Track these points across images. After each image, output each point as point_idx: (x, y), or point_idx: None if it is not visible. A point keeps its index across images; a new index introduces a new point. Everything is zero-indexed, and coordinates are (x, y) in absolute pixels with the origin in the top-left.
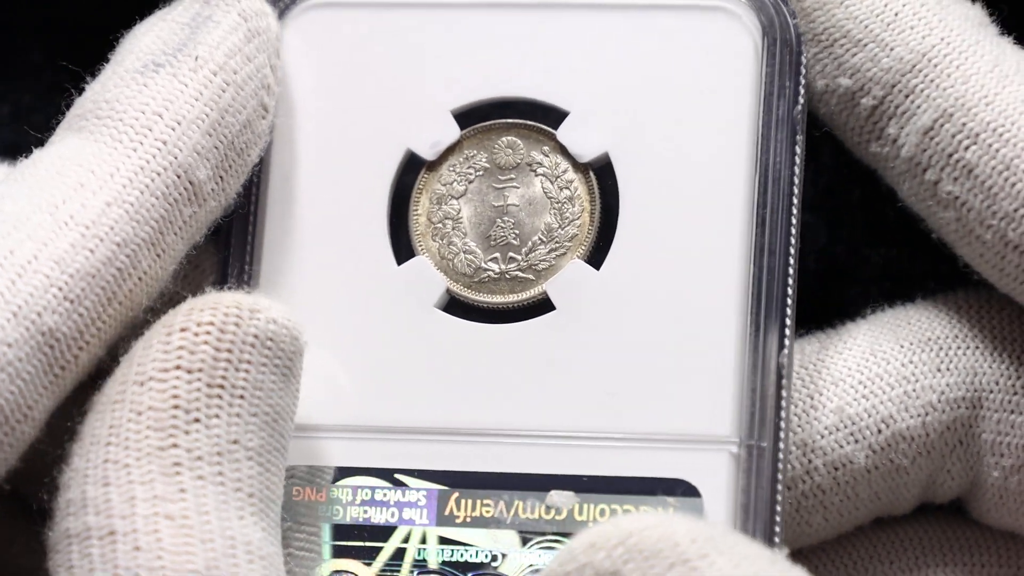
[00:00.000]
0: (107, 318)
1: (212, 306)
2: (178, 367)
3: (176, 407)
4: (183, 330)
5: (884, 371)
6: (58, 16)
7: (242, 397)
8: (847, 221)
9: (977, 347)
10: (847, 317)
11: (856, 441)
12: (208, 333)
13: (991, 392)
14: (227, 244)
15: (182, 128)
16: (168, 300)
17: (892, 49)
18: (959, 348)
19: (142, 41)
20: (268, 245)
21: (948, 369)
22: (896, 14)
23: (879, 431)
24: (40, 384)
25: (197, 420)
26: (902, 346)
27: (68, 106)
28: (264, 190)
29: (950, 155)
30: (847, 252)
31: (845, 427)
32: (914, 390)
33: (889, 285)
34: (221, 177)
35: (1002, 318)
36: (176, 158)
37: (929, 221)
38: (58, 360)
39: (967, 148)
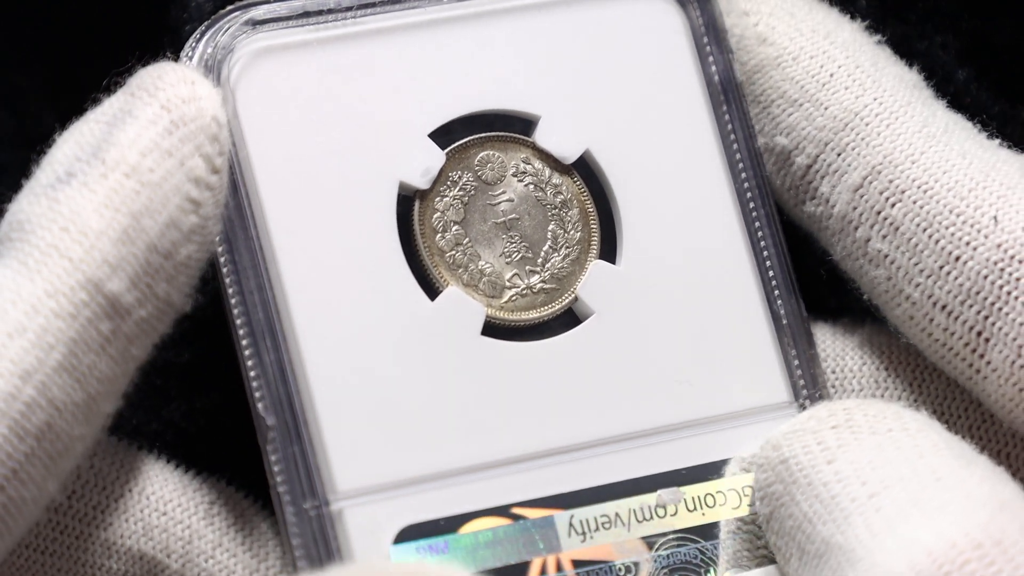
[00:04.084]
0: (21, 456)
1: None
2: None
3: None
4: None
5: (859, 370)
6: (72, 83)
7: None
8: None
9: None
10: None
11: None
12: None
13: (959, 419)
14: (248, 324)
15: (90, 240)
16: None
17: (826, 108)
18: (936, 371)
19: (61, 149)
20: (297, 313)
21: (920, 387)
22: (831, 75)
23: None
24: None
25: None
26: (883, 352)
27: None
28: (275, 259)
29: (878, 212)
30: None
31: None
32: (884, 396)
33: None
34: (148, 284)
35: None
36: (84, 273)
37: (861, 283)
38: None
39: (893, 205)
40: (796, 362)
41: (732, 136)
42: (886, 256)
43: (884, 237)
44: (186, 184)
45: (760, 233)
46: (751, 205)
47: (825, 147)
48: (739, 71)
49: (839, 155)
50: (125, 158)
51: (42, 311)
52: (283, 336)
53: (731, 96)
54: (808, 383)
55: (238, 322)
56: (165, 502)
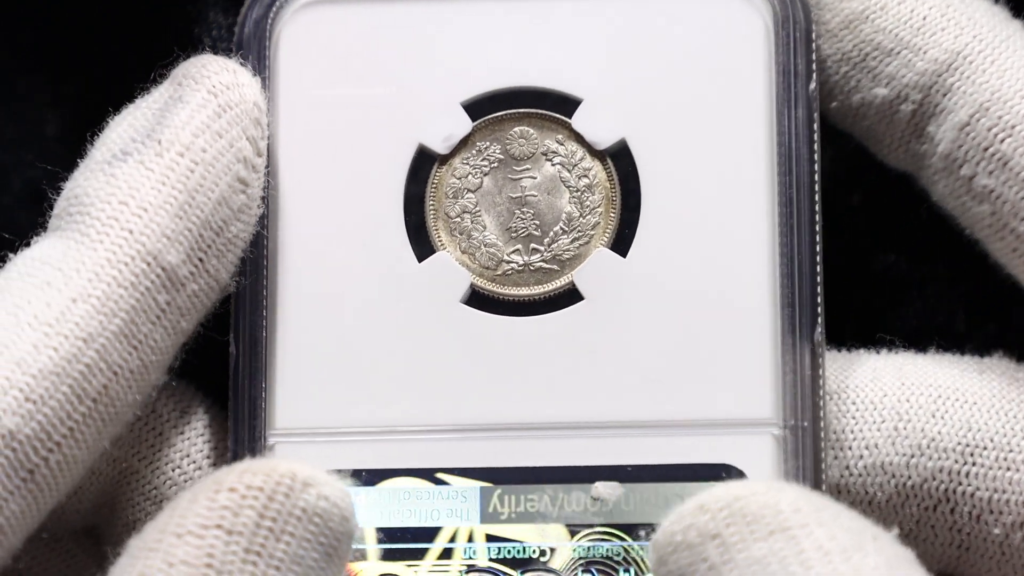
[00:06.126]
0: (79, 416)
1: (266, 471)
2: (219, 526)
3: (209, 565)
4: (231, 490)
5: (880, 401)
6: (73, 85)
7: (278, 568)
8: (848, 228)
9: (975, 403)
10: (848, 324)
11: (835, 457)
12: (255, 498)
13: (985, 448)
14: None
15: (149, 214)
16: (168, 395)
17: (925, 52)
18: (957, 400)
19: (115, 131)
20: (284, 251)
21: (943, 418)
22: (924, 18)
23: (860, 456)
24: (5, 488)
25: None
26: (903, 383)
27: (51, 207)
28: (275, 195)
29: (985, 148)
30: (848, 259)
31: (827, 439)
32: (905, 428)
33: (890, 291)
34: (200, 259)
35: (1001, 376)
36: (144, 245)
37: (962, 219)
38: (23, 463)
39: (1003, 140)
40: (789, 382)
41: (795, 150)
42: (992, 191)
43: (991, 173)
44: (235, 164)
45: (793, 251)
46: (792, 220)
47: (930, 90)
48: (816, 81)
49: (945, 96)
50: (179, 138)
51: (104, 278)
52: (262, 272)
53: (803, 109)
54: (800, 405)
55: None
56: (141, 405)
